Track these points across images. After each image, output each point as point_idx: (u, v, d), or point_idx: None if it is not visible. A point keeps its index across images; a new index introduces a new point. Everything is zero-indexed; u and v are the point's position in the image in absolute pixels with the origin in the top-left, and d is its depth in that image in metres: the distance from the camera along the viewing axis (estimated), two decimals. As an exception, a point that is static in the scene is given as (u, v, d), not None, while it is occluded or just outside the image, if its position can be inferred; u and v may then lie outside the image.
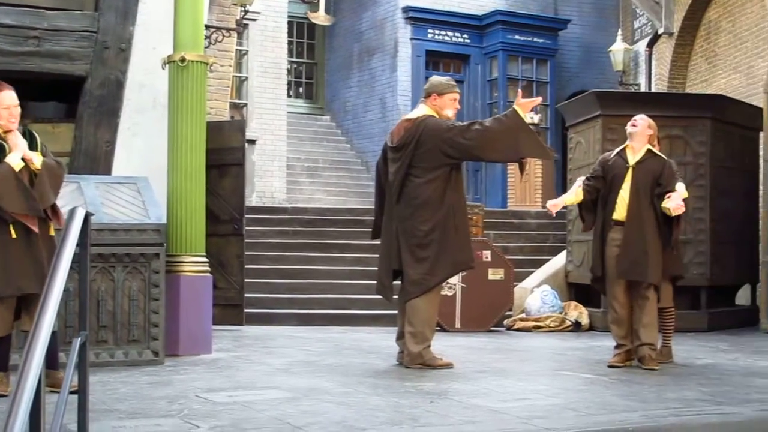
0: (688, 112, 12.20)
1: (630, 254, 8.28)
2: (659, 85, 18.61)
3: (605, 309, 11.63)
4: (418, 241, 7.91)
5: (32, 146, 6.65)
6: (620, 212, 8.39)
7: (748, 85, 16.12)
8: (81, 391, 4.52)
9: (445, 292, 11.23)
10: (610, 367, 8.16)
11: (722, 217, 12.41)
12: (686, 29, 17.98)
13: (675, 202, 8.14)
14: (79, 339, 4.38)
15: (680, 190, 8.26)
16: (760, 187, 12.86)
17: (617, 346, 8.38)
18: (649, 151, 8.49)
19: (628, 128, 8.60)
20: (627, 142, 8.58)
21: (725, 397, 6.60)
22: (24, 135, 6.65)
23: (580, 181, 8.68)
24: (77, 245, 4.34)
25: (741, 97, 15.03)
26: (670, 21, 18.16)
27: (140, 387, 6.84)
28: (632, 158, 8.46)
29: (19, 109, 6.65)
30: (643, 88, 19.34)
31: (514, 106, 7.84)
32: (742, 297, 13.96)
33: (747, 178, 13.19)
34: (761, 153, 12.77)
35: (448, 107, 8.06)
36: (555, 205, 8.52)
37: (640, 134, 8.54)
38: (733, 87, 16.43)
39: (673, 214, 8.19)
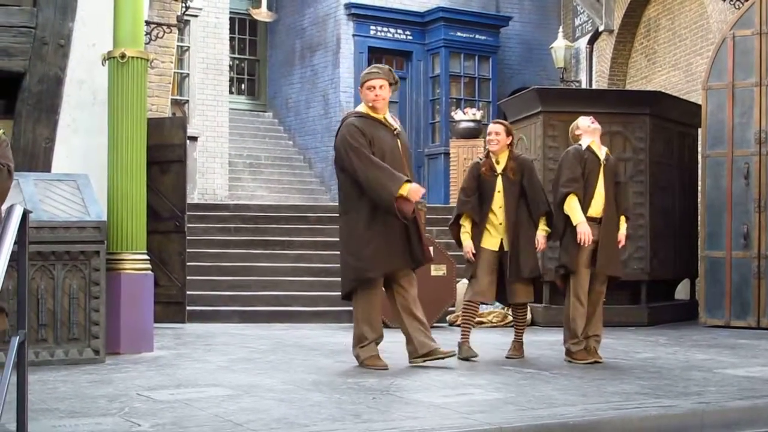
0: (627, 108, 12.32)
1: (608, 249, 8.40)
2: (600, 81, 18.77)
3: (546, 304, 11.77)
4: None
5: None
6: (596, 208, 8.40)
7: (687, 82, 16.31)
8: (20, 390, 4.49)
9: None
10: (593, 362, 8.21)
11: (661, 213, 12.55)
12: (626, 27, 18.16)
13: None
14: (18, 338, 4.34)
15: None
16: (699, 183, 13.01)
17: (577, 343, 8.36)
18: (607, 150, 8.63)
19: (592, 125, 8.60)
20: (592, 139, 8.56)
21: (664, 390, 6.68)
22: None
23: (575, 200, 8.39)
24: (15, 243, 4.30)
25: (680, 94, 15.21)
26: (611, 18, 18.32)
27: (80, 386, 6.79)
28: (601, 155, 8.53)
29: None
30: (584, 85, 19.49)
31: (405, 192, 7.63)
32: (682, 291, 14.13)
33: (685, 174, 13.36)
34: (699, 149, 12.92)
35: (366, 96, 8.00)
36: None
37: (600, 131, 8.66)
38: (672, 84, 16.61)
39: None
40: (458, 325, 11.88)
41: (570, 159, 8.49)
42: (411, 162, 8.11)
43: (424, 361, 7.80)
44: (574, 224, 8.30)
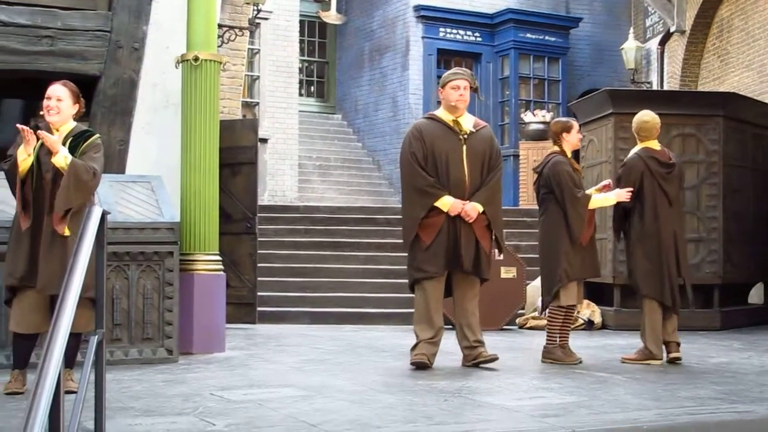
0: (700, 110, 12.18)
1: None
2: (671, 83, 18.59)
3: (618, 307, 11.67)
4: None
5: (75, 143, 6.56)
6: None
7: (760, 83, 16.10)
8: (98, 389, 4.55)
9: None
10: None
11: (734, 216, 12.38)
12: (698, 27, 17.97)
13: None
14: (96, 337, 4.39)
15: None
16: (773, 186, 12.85)
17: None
18: None
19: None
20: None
21: (739, 395, 6.59)
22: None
23: None
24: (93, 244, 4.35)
25: (753, 95, 15.01)
26: (682, 19, 18.13)
27: (154, 385, 6.87)
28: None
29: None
30: (655, 86, 19.32)
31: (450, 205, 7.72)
32: (755, 295, 13.94)
33: (760, 177, 13.16)
34: (774, 151, 12.75)
35: (449, 96, 7.93)
36: None
37: None
38: (745, 85, 16.40)
39: None
40: (529, 328, 11.86)
41: None
42: (487, 164, 7.92)
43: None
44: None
